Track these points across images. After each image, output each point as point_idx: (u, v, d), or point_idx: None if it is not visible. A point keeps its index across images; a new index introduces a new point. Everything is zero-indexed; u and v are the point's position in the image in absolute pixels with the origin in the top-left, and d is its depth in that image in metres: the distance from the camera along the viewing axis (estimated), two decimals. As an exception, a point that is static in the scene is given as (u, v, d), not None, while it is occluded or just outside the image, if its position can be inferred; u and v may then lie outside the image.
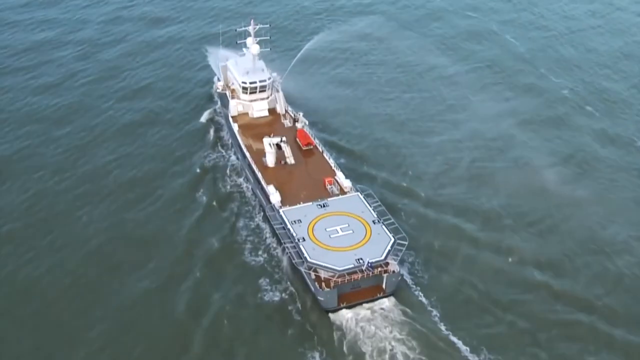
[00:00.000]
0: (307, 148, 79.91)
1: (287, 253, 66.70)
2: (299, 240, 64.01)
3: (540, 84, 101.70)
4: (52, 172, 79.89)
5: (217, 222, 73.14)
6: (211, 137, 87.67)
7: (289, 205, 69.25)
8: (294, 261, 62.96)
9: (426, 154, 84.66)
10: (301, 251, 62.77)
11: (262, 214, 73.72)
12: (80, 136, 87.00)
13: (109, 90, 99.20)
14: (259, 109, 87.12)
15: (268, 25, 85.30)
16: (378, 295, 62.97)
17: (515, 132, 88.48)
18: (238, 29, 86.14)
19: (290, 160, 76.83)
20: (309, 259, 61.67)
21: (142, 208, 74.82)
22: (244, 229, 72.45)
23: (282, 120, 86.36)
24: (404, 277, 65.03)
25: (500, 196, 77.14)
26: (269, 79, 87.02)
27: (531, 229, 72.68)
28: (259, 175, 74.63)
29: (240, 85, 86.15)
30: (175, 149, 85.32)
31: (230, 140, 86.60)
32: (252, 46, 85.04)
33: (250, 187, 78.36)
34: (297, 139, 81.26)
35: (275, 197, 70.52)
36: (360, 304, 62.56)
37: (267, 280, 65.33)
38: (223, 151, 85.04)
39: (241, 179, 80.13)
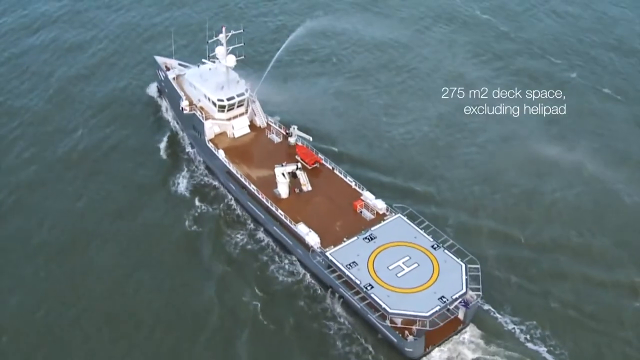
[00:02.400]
0: (314, 167, 71.13)
1: (338, 298, 59.72)
2: (366, 288, 56.48)
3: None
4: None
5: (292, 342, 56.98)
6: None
7: (334, 245, 60.92)
8: (371, 317, 55.57)
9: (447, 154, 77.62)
10: (376, 302, 55.37)
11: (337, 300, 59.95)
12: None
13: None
14: (240, 127, 75.71)
15: (242, 30, 72.74)
16: (459, 328, 57.94)
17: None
18: (209, 41, 72.85)
19: (307, 187, 67.68)
20: (389, 310, 54.38)
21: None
22: (335, 338, 57.14)
23: (269, 135, 76.00)
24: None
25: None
26: (247, 90, 75.54)
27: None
28: (280, 212, 64.85)
29: (215, 104, 73.88)
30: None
31: (212, 179, 74.19)
32: (227, 57, 72.49)
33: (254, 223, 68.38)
34: (299, 158, 71.89)
35: (312, 237, 61.61)
36: (444, 341, 57.55)
37: None
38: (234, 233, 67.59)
39: (286, 263, 63.94)
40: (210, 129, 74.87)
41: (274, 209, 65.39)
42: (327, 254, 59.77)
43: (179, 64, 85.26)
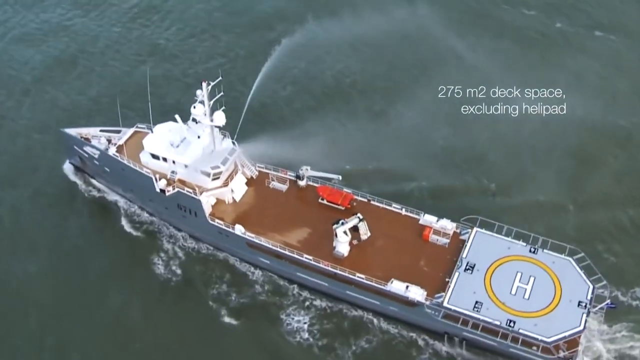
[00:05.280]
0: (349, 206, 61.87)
1: (459, 342, 54.52)
2: (509, 325, 51.69)
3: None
4: None
5: None
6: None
7: (442, 291, 54.33)
8: (530, 355, 51.29)
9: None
10: (530, 337, 51.08)
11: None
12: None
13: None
14: (239, 187, 62.62)
15: (220, 78, 57.46)
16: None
17: None
18: (193, 106, 56.62)
19: (367, 234, 58.66)
20: (547, 338, 50.79)
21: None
22: None
23: (270, 185, 63.97)
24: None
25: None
26: (234, 143, 61.73)
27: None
28: (359, 276, 55.63)
29: (210, 174, 59.43)
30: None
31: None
32: (215, 115, 57.84)
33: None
34: (326, 201, 61.83)
35: (416, 291, 54.44)
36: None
37: None
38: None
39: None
40: (207, 204, 60.92)
41: (348, 274, 56.00)
42: (446, 304, 53.36)
43: (102, 131, 67.25)
